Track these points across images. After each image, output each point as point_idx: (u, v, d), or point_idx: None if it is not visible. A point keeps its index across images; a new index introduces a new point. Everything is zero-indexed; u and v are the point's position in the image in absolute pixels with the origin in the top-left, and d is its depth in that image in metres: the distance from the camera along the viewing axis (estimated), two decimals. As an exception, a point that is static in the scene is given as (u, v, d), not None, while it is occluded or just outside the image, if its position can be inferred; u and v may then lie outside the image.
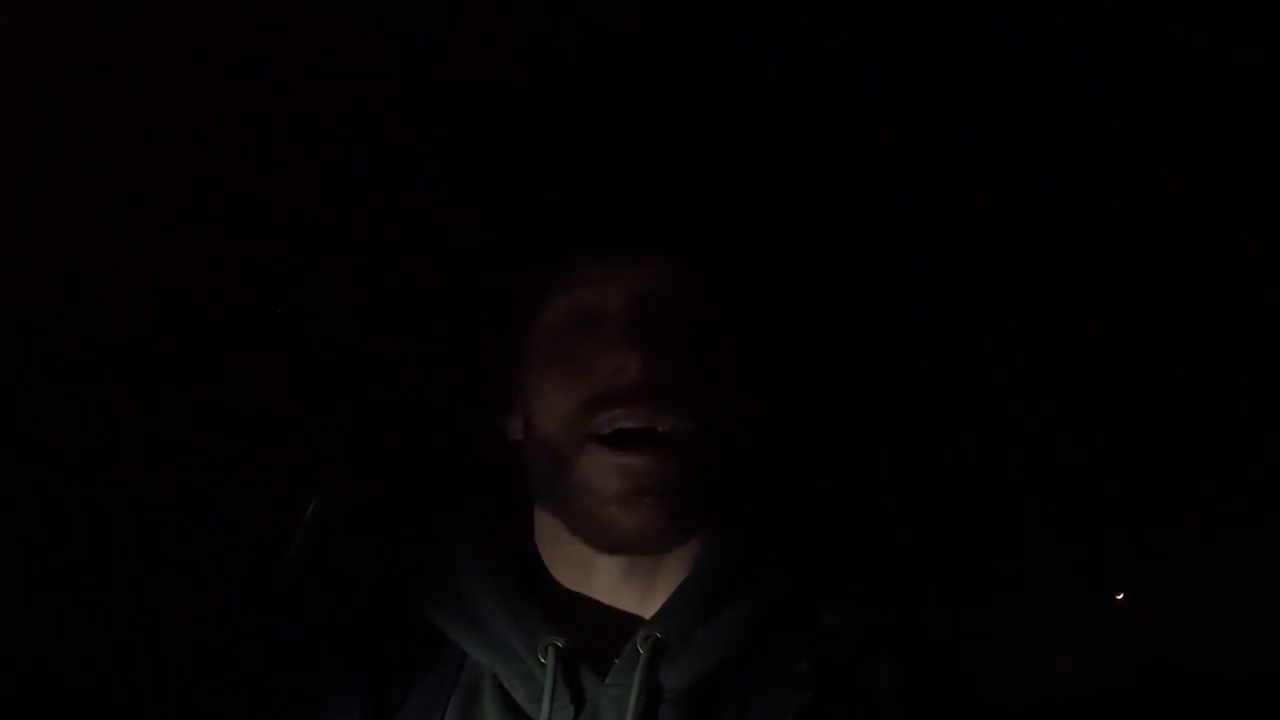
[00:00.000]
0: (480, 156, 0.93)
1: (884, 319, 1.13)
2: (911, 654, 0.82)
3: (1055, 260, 1.14)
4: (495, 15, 0.83)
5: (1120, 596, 1.52)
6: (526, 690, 0.80)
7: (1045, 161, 1.01)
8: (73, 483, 0.93)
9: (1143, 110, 0.97)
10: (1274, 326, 1.21)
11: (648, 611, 0.83)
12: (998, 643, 1.47)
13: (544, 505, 0.87)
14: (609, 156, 0.93)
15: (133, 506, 0.96)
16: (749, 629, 0.81)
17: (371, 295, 1.02)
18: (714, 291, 0.86)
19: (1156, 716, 1.50)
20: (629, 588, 0.84)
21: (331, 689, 0.83)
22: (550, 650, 0.79)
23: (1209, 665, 1.53)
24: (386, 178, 0.94)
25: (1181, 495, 1.42)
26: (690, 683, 0.78)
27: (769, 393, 0.90)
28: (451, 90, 0.87)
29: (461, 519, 0.90)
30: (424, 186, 0.94)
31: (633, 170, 0.92)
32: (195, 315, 0.98)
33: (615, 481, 0.79)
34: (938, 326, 1.16)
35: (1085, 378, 1.28)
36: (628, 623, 0.83)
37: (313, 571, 0.97)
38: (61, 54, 0.79)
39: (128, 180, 0.88)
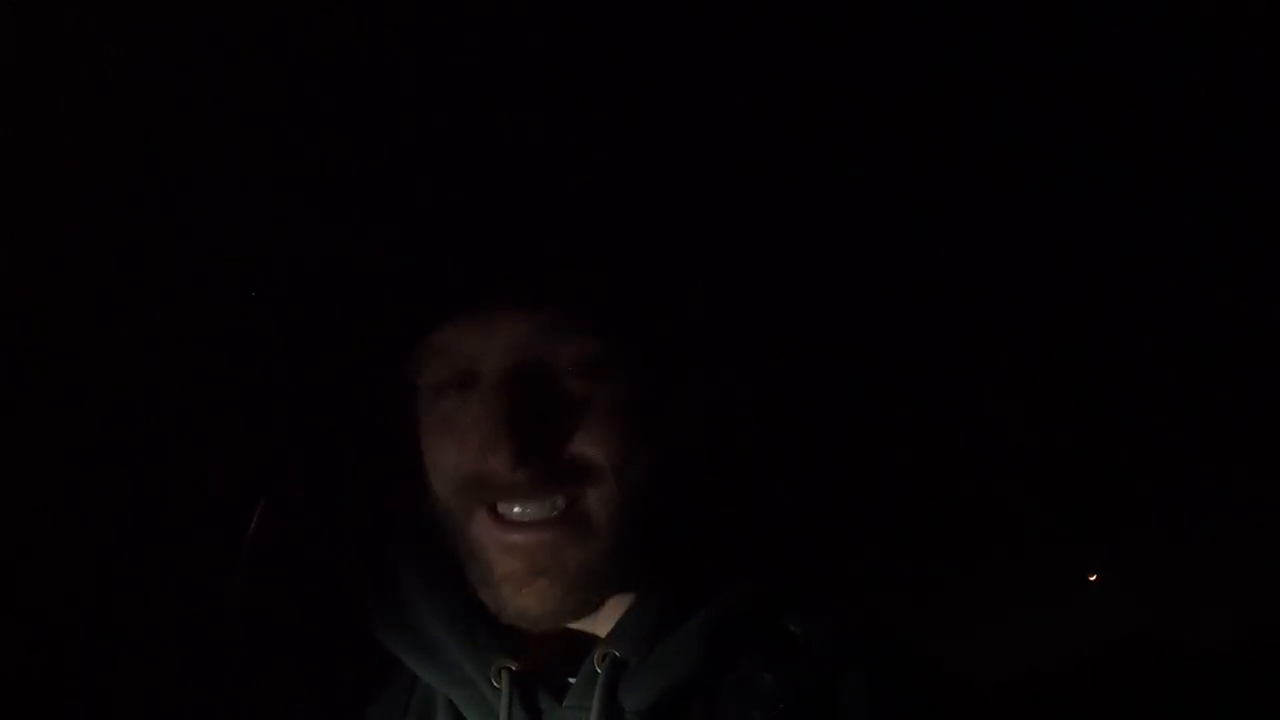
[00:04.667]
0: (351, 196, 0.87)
1: (841, 324, 1.12)
2: (879, 663, 0.80)
3: (1018, 255, 1.13)
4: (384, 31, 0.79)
5: (1093, 577, 1.54)
6: (481, 715, 0.77)
7: (1008, 179, 1.01)
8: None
9: (1139, 125, 0.97)
10: (1245, 318, 1.22)
11: (604, 628, 0.79)
12: (970, 624, 1.49)
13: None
14: (485, 190, 0.82)
15: (59, 521, 0.91)
16: (710, 643, 0.77)
17: (317, 294, 0.99)
18: (612, 332, 0.75)
19: (1130, 693, 1.52)
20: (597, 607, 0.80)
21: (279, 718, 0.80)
22: (503, 674, 0.76)
23: (1182, 643, 1.55)
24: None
25: (1153, 479, 1.43)
26: (652, 701, 0.75)
27: (716, 410, 0.84)
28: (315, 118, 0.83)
29: (408, 530, 0.85)
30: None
31: (515, 206, 0.80)
32: (132, 317, 0.94)
33: (506, 561, 0.74)
34: (896, 320, 1.15)
35: (1055, 364, 1.28)
36: (584, 640, 0.79)
37: (258, 589, 0.93)
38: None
39: (57, 178, 0.86)
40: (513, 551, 0.74)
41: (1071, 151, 1.01)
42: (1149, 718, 1.50)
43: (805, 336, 1.05)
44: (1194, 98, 0.97)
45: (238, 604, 0.91)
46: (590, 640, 0.79)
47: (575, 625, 0.80)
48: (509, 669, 0.76)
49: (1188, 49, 0.93)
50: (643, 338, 0.76)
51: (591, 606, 0.77)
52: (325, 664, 0.82)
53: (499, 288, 0.75)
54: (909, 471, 1.33)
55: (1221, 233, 1.13)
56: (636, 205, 0.81)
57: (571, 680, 0.78)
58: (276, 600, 0.91)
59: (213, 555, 0.94)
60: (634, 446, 0.75)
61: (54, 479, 0.92)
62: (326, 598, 0.88)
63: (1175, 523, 1.48)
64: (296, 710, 0.80)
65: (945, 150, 0.96)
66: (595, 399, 0.74)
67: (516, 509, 0.73)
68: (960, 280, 1.16)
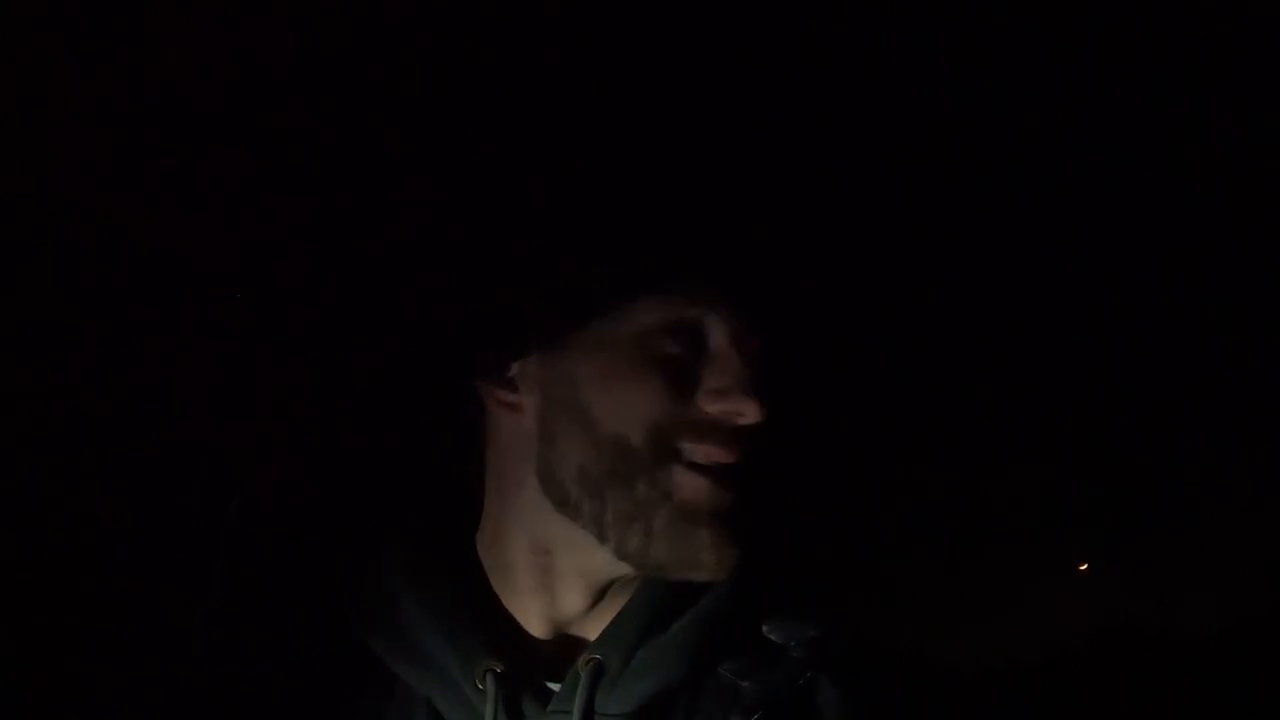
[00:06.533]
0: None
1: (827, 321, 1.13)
2: (854, 672, 0.80)
3: (1002, 250, 1.14)
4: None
5: (1084, 567, 1.55)
6: (463, 717, 0.77)
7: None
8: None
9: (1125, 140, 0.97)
10: (1233, 313, 1.23)
11: (592, 632, 0.80)
12: (963, 614, 1.50)
13: (560, 503, 0.80)
14: (727, 178, 0.88)
15: (38, 518, 0.91)
16: (691, 649, 0.78)
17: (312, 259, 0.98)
18: (802, 324, 0.84)
19: (1115, 683, 1.54)
20: (587, 609, 0.81)
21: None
22: (489, 676, 0.76)
23: (1166, 632, 1.57)
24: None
25: (1139, 471, 1.44)
26: (632, 707, 0.76)
27: None
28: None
29: (392, 520, 0.86)
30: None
31: (749, 198, 0.88)
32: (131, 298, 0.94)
33: (705, 503, 0.76)
34: (879, 317, 1.15)
35: (1041, 358, 1.29)
36: (570, 644, 0.80)
37: (234, 586, 0.91)
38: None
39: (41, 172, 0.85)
40: (714, 497, 0.76)
41: (1069, 153, 1.01)
42: (1134, 706, 1.51)
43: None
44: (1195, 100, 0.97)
45: (217, 601, 0.90)
46: (576, 645, 0.80)
47: (570, 629, 0.81)
48: (494, 671, 0.76)
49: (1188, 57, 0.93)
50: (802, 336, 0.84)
51: (730, 572, 0.78)
52: (302, 662, 0.81)
53: (748, 265, 0.82)
54: (895, 468, 1.33)
55: (1198, 227, 1.13)
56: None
57: (554, 686, 0.78)
58: (254, 597, 0.90)
59: (189, 551, 0.93)
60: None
61: (38, 478, 0.91)
62: (305, 595, 0.87)
63: (1159, 514, 1.50)
64: (272, 709, 0.79)
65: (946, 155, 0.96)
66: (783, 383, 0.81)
67: (724, 459, 0.77)
68: (946, 276, 1.16)
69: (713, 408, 0.77)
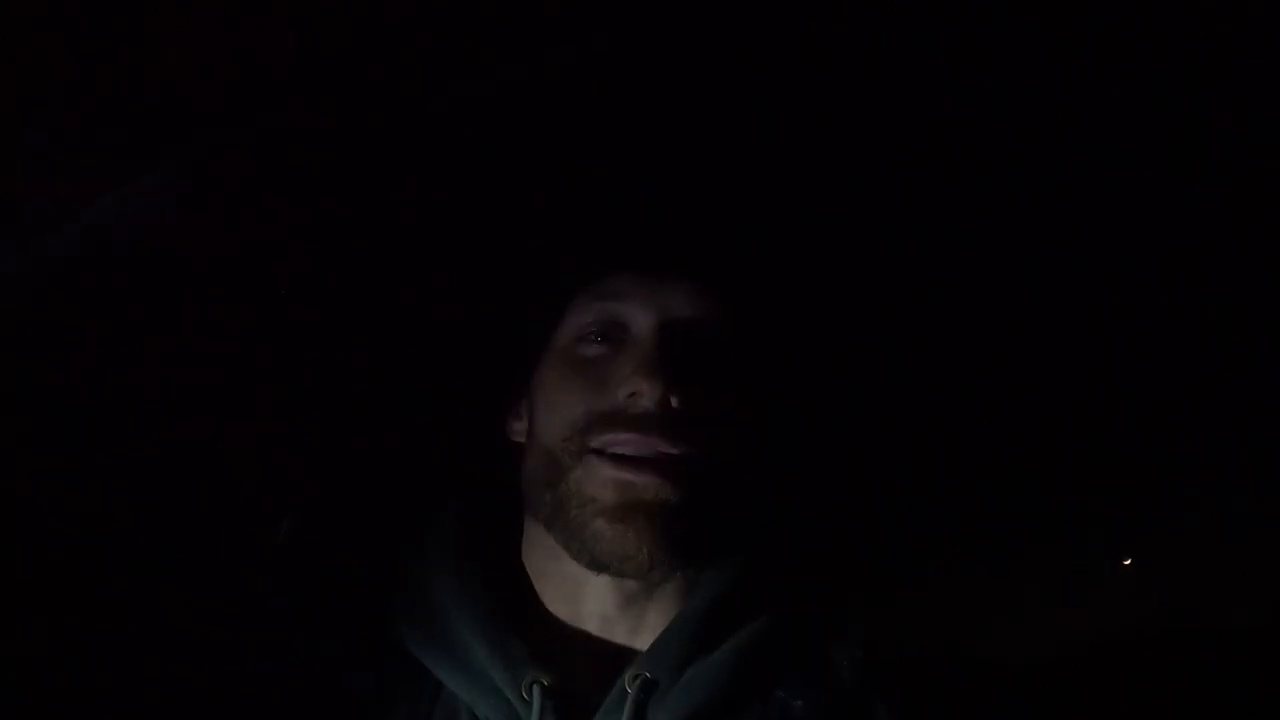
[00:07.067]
0: (515, 157, 0.89)
1: (891, 346, 1.12)
2: (907, 694, 0.80)
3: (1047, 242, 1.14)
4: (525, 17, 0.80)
5: (1127, 562, 1.54)
6: None
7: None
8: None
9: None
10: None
11: (639, 645, 0.80)
12: (1006, 608, 1.49)
13: (535, 515, 0.83)
14: (646, 170, 0.89)
15: (91, 523, 0.90)
16: (742, 667, 0.78)
17: (364, 284, 0.99)
18: (737, 318, 0.82)
19: (1162, 678, 1.51)
20: (621, 617, 0.81)
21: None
22: (535, 688, 0.75)
23: (1213, 626, 1.55)
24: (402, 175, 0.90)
25: (1184, 464, 1.44)
26: None
27: (773, 424, 0.87)
28: (490, 91, 0.84)
29: (441, 530, 0.86)
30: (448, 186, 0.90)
31: (670, 187, 0.89)
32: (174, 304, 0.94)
33: (609, 494, 0.76)
34: (941, 339, 1.15)
35: (1041, 358, 1.29)
36: (618, 657, 0.80)
37: (283, 590, 0.92)
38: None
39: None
40: (618, 487, 0.76)
41: (1069, 153, 1.01)
42: (1182, 701, 1.49)
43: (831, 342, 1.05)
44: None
45: (267, 609, 0.90)
46: (626, 657, 0.80)
47: (613, 639, 0.81)
48: (541, 684, 0.76)
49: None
50: (763, 326, 0.83)
51: (666, 563, 0.77)
52: (345, 666, 0.81)
53: (670, 251, 0.82)
54: (939, 463, 1.33)
55: (1198, 227, 1.13)
56: (786, 211, 0.91)
57: (603, 698, 0.77)
58: (299, 599, 0.90)
59: (236, 554, 0.93)
60: (744, 420, 0.81)
61: (38, 478, 0.91)
62: (350, 599, 0.87)
63: (1206, 508, 1.48)
64: (314, 712, 0.79)
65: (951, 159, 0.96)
66: (720, 371, 0.80)
67: (631, 449, 0.76)
68: (992, 271, 1.16)
69: (620, 393, 0.77)
